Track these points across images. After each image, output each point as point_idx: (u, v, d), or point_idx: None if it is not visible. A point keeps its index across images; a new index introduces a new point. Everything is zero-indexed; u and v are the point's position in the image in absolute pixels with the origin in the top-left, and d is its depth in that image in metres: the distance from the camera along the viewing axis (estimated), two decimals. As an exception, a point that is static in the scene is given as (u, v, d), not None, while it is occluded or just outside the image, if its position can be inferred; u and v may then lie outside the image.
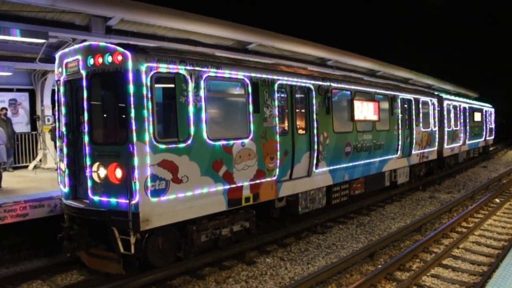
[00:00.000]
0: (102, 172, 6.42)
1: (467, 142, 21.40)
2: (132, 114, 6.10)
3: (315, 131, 9.33)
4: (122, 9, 11.45)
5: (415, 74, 28.21)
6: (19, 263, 7.91)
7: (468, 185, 16.54)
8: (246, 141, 7.68)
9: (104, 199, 6.46)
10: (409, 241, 8.97)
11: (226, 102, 7.98)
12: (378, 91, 12.20)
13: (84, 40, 10.23)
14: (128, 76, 6.11)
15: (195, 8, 13.06)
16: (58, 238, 6.98)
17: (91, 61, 6.50)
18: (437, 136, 16.42)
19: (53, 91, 13.50)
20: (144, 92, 6.18)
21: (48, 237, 8.05)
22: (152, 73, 6.30)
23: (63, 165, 7.23)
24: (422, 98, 15.10)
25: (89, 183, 6.56)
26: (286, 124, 8.83)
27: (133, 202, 6.10)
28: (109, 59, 6.30)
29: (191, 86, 6.76)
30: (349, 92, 10.86)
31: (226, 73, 7.39)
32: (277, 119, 8.32)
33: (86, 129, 6.58)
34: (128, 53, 6.14)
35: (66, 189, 7.18)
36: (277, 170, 8.34)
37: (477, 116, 23.92)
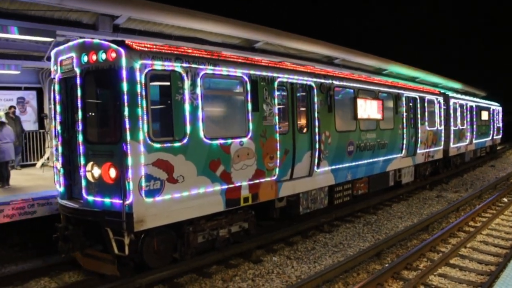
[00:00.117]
0: (96, 171, 6.19)
1: (474, 141, 20.84)
2: (126, 113, 5.84)
3: (316, 130, 8.97)
4: (129, 7, 11.32)
5: (422, 73, 27.60)
6: (28, 261, 7.79)
7: (475, 184, 16.20)
8: (244, 140, 7.35)
9: (98, 199, 6.23)
10: (416, 240, 8.76)
11: (224, 100, 7.66)
12: (382, 89, 11.76)
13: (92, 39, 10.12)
14: (122, 73, 5.85)
15: (201, 6, 12.83)
16: (53, 239, 6.75)
17: (85, 58, 6.26)
18: (443, 135, 15.91)
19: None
20: (138, 90, 5.91)
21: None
22: (146, 70, 6.03)
23: (58, 164, 7.00)
24: (428, 97, 14.60)
25: (83, 183, 6.33)
26: (286, 122, 8.48)
27: (127, 202, 5.85)
28: (103, 56, 6.05)
29: (187, 83, 6.47)
30: (352, 90, 10.47)
31: (224, 70, 7.08)
32: (277, 117, 7.99)
33: (80, 127, 6.36)
34: (122, 50, 5.88)
35: (61, 189, 6.95)
36: (277, 169, 8.01)
37: (484, 115, 23.30)
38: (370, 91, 11.21)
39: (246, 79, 7.44)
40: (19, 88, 14.80)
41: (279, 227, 9.18)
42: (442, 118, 15.87)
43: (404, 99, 12.77)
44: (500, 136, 28.36)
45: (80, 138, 6.34)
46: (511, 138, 40.13)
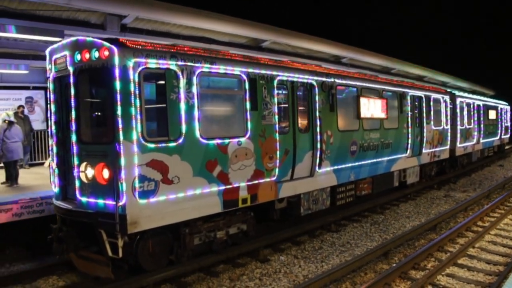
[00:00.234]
0: (90, 172, 5.94)
1: (481, 141, 20.20)
2: (119, 112, 5.58)
3: (318, 130, 8.60)
4: (137, 7, 11.20)
5: (430, 72, 27.00)
6: (36, 259, 7.66)
7: (484, 184, 15.76)
8: (242, 140, 7.03)
9: (92, 200, 5.98)
10: (424, 240, 8.56)
11: (221, 99, 7.34)
12: (386, 87, 11.31)
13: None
14: (115, 72, 5.58)
15: (209, 6, 12.62)
16: (48, 240, 6.52)
17: (78, 57, 6.02)
18: (449, 134, 15.37)
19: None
20: (132, 89, 5.64)
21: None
22: (140, 68, 5.76)
23: (54, 165, 6.77)
24: (434, 95, 14.08)
25: (77, 184, 6.09)
26: (287, 122, 8.13)
27: (120, 203, 5.59)
28: (96, 54, 5.80)
29: (182, 82, 6.18)
30: (355, 89, 10.05)
31: (221, 68, 6.76)
32: (276, 117, 7.64)
33: (74, 127, 6.12)
34: (115, 48, 5.61)
35: (56, 189, 6.72)
36: (277, 170, 7.67)
37: (492, 114, 22.61)
38: (374, 89, 10.77)
39: (245, 77, 7.11)
40: (27, 88, 14.79)
41: (285, 226, 8.93)
42: (449, 117, 15.32)
43: (409, 97, 12.30)
44: (508, 135, 27.61)
45: (74, 138, 6.11)
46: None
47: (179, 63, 6.15)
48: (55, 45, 6.54)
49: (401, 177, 12.46)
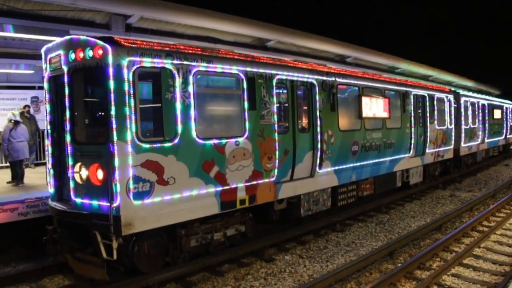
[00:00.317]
0: (84, 173, 5.76)
1: (486, 140, 19.75)
2: (113, 112, 5.39)
3: (318, 129, 8.34)
4: (142, 7, 11.12)
5: (435, 71, 26.56)
6: (40, 259, 7.47)
7: (489, 183, 15.42)
8: (240, 140, 6.81)
9: (86, 201, 5.81)
10: (429, 240, 8.41)
11: (218, 98, 7.12)
12: (388, 86, 11.00)
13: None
14: (109, 71, 5.39)
15: (213, 5, 12.51)
16: (43, 241, 6.35)
17: (72, 56, 5.84)
18: (453, 134, 15.00)
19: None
20: (126, 88, 5.45)
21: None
22: (135, 67, 5.56)
23: (49, 165, 6.61)
24: (437, 94, 13.72)
25: (71, 184, 5.92)
26: (286, 122, 7.89)
27: (114, 205, 5.41)
28: (90, 53, 5.62)
29: (178, 81, 5.97)
30: (356, 88, 9.76)
31: (218, 67, 6.54)
32: (276, 116, 7.40)
33: (68, 127, 5.95)
34: (109, 47, 5.43)
35: (51, 190, 6.56)
36: (276, 170, 7.43)
37: (497, 113, 22.12)
38: (376, 88, 10.47)
39: (242, 76, 6.88)
40: (33, 88, 14.68)
41: (290, 226, 8.73)
42: (453, 116, 14.94)
43: (412, 97, 11.97)
44: (514, 135, 26.98)
45: (68, 138, 5.93)
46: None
47: (175, 62, 5.95)
48: (49, 44, 6.37)
49: (404, 178, 12.14)
